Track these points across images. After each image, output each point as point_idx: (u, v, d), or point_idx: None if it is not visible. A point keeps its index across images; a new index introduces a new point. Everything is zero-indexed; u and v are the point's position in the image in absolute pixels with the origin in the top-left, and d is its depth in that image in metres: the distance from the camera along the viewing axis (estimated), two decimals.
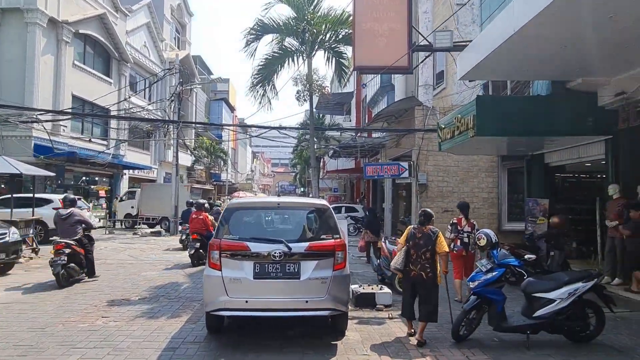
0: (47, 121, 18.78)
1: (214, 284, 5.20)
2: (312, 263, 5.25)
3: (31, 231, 12.42)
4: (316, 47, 11.90)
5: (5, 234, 9.66)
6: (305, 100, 12.16)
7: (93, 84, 25.15)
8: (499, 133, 9.64)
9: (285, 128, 14.57)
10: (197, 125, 31.89)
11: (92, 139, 25.56)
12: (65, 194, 12.00)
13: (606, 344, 5.56)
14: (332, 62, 12.38)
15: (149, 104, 28.81)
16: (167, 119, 22.13)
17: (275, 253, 5.16)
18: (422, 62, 10.90)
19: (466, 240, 7.93)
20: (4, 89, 20.83)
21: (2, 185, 23.12)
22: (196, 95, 40.22)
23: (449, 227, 8.30)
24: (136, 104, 27.90)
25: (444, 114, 14.56)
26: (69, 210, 9.12)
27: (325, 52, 12.26)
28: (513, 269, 5.51)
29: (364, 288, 7.74)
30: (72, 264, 8.75)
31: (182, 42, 41.05)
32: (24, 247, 11.10)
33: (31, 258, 11.98)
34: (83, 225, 9.22)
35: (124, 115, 19.59)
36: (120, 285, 8.84)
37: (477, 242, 5.81)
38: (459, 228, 8.10)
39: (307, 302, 5.16)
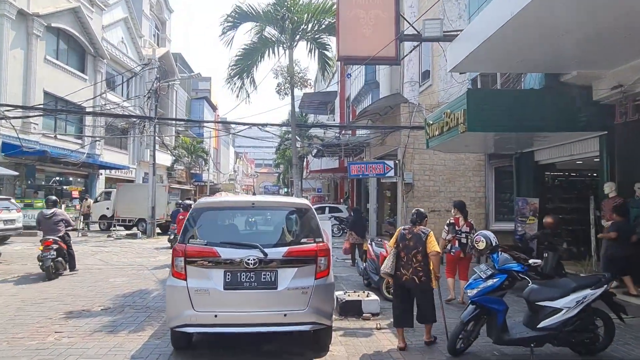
0: (15, 118, 17.76)
1: (178, 296, 4.53)
2: (291, 271, 4.63)
3: None
4: (297, 37, 11.24)
5: None
6: (286, 94, 11.49)
7: (67, 80, 24.11)
8: (490, 128, 9.16)
9: (266, 125, 13.89)
10: (177, 123, 30.95)
11: (66, 138, 24.53)
12: (47, 197, 12.04)
13: (616, 357, 5.06)
14: (314, 54, 11.75)
15: (125, 101, 27.80)
16: (143, 121, 21.24)
17: (248, 260, 4.52)
18: (410, 51, 10.35)
19: (464, 241, 7.43)
20: None
21: None
22: (176, 94, 39.24)
23: (445, 227, 7.79)
24: (112, 101, 26.87)
25: (430, 111, 14.08)
26: (52, 210, 10.09)
27: (307, 43, 11.61)
28: (516, 275, 4.96)
29: (349, 295, 7.14)
30: (60, 258, 9.69)
31: (162, 39, 40.06)
32: None
33: None
34: (65, 223, 10.16)
35: (96, 112, 18.64)
36: (83, 294, 8.08)
37: (475, 245, 5.26)
38: (457, 228, 7.59)
39: (285, 315, 4.53)
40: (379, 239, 10.69)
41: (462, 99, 9.05)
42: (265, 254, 4.55)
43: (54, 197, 10.75)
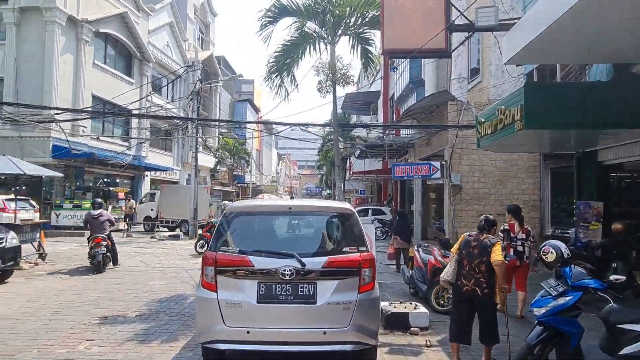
0: (64, 121, 18.25)
1: (208, 308, 4.14)
2: (331, 283, 4.14)
3: (37, 235, 11.70)
4: (339, 32, 10.72)
5: (2, 239, 8.89)
6: (327, 92, 11.03)
7: (114, 83, 24.71)
8: (550, 125, 8.30)
9: (307, 125, 13.47)
10: (219, 125, 31.21)
11: (113, 140, 25.14)
12: (94, 199, 13.41)
13: None
14: (357, 49, 11.19)
15: (168, 103, 28.30)
16: (186, 123, 21.40)
17: (284, 270, 4.07)
18: (460, 45, 9.61)
19: (520, 248, 6.73)
20: (22, 88, 20.53)
21: (24, 187, 22.86)
22: (220, 97, 39.70)
23: (499, 233, 7.08)
24: (157, 103, 27.38)
25: (480, 108, 13.26)
26: (98, 211, 11.22)
27: (350, 39, 11.08)
28: (593, 293, 4.26)
29: (395, 306, 6.57)
30: (108, 253, 10.80)
31: (206, 43, 40.63)
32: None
33: (36, 264, 11.25)
34: (109, 222, 11.15)
35: (140, 114, 18.87)
36: (120, 297, 7.92)
37: (543, 256, 4.58)
38: (512, 235, 6.89)
39: (325, 333, 4.05)
40: (426, 245, 10.04)
41: (518, 93, 8.27)
42: (303, 264, 4.09)
43: (99, 200, 12.21)
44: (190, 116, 20.86)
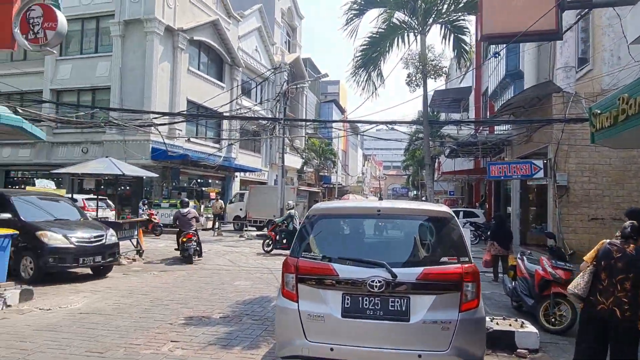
0: (162, 124, 19.32)
1: (288, 320, 3.77)
2: (427, 299, 3.57)
3: (135, 233, 12.32)
4: (430, 20, 9.96)
5: (102, 236, 9.38)
6: (417, 85, 10.33)
7: (206, 88, 25.81)
8: None
9: (394, 123, 12.84)
10: (306, 125, 31.46)
11: (206, 142, 26.30)
12: (182, 199, 14.85)
13: None
14: (449, 39, 10.36)
15: (255, 105, 29.06)
16: (273, 123, 21.71)
17: (373, 281, 3.58)
18: (576, 22, 8.34)
19: None
20: (126, 96, 22.09)
21: (127, 187, 24.64)
22: (306, 98, 40.17)
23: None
24: (245, 106, 28.23)
25: (591, 100, 11.75)
26: (187, 209, 12.61)
27: (441, 28, 10.28)
28: None
29: (497, 322, 5.80)
30: (197, 247, 12.12)
31: (293, 45, 41.33)
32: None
33: (134, 260, 11.85)
34: (195, 219, 12.48)
35: (228, 115, 19.40)
36: (207, 297, 7.93)
37: None
38: None
39: (420, 357, 3.49)
40: (529, 252, 9.00)
41: None
42: (394, 275, 3.57)
43: (186, 199, 13.57)
44: (277, 121, 21.13)
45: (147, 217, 17.78)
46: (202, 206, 24.22)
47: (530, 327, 5.68)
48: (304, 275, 3.77)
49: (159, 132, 19.34)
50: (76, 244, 8.79)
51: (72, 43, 24.54)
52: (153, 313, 6.78)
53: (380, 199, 5.61)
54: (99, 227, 9.74)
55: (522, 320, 5.98)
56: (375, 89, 10.08)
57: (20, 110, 12.26)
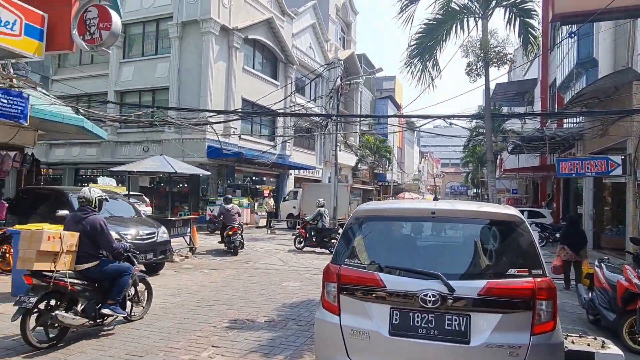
0: (217, 122, 19.53)
1: (328, 334, 3.35)
2: (492, 317, 3.03)
3: (188, 230, 12.40)
4: (493, 3, 9.12)
5: (154, 233, 9.41)
6: (478, 75, 9.52)
7: (261, 87, 25.91)
8: None
9: (453, 117, 12.05)
10: (360, 122, 30.93)
11: (261, 140, 26.45)
12: (225, 195, 15.44)
13: None
14: (514, 24, 9.46)
15: (308, 102, 28.89)
16: (326, 119, 21.38)
17: (426, 295, 3.08)
18: None
19: None
20: (183, 95, 22.58)
21: (185, 185, 25.28)
22: (361, 95, 39.57)
23: None
24: (300, 104, 28.13)
25: None
26: (230, 205, 13.55)
27: (505, 11, 9.41)
28: None
29: (573, 341, 5.06)
30: (242, 240, 13.19)
31: (347, 42, 40.82)
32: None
33: (186, 257, 11.92)
34: (238, 215, 13.48)
35: (280, 112, 19.23)
36: (253, 299, 7.69)
37: None
38: None
39: None
40: (607, 258, 8.04)
41: None
42: (452, 289, 3.05)
43: (229, 196, 14.58)
44: (330, 117, 20.78)
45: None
46: (256, 204, 24.39)
47: (613, 348, 4.91)
48: (346, 285, 3.34)
49: (214, 130, 19.57)
50: (129, 240, 8.84)
51: (134, 46, 25.51)
52: (198, 314, 6.61)
53: (436, 198, 4.89)
54: (152, 224, 9.80)
55: (603, 339, 5.20)
56: (432, 79, 9.40)
57: (81, 111, 12.69)
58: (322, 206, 15.09)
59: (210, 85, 22.64)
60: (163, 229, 9.79)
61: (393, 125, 25.10)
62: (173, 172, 11.28)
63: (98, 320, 5.38)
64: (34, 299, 4.82)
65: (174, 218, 11.63)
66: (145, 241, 9.14)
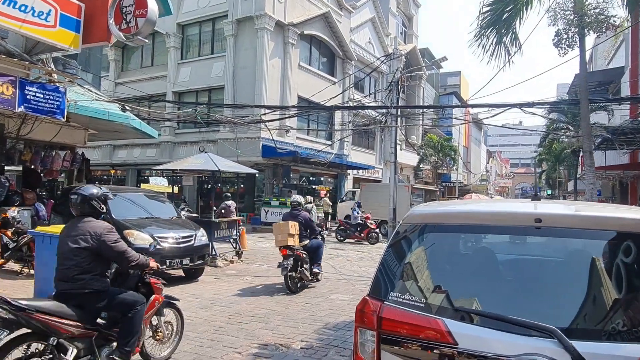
0: (270, 120, 18.82)
1: None
2: None
3: (234, 232, 11.60)
4: None
5: (192, 236, 8.62)
6: (569, 46, 7.80)
7: (317, 84, 24.98)
8: None
9: (532, 105, 10.25)
10: (422, 117, 29.18)
11: (317, 139, 25.54)
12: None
13: None
14: None
15: (365, 97, 27.59)
16: (385, 112, 19.99)
17: None
18: None
19: None
20: (238, 94, 22.12)
21: (241, 185, 24.87)
22: (423, 91, 37.64)
23: None
24: (357, 100, 26.90)
25: None
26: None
27: None
28: None
29: None
30: None
31: (409, 36, 39.06)
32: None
33: (231, 262, 11.09)
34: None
35: (338, 106, 18.01)
36: (292, 315, 6.60)
37: None
38: None
39: None
40: None
41: None
42: (577, 355, 1.76)
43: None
44: (390, 111, 19.39)
45: (362, 221, 17.86)
46: (313, 205, 23.44)
47: None
48: (391, 334, 2.13)
49: (268, 128, 18.81)
50: (163, 244, 8.10)
51: (191, 46, 25.51)
52: (225, 334, 5.63)
53: (537, 196, 3.22)
54: (190, 226, 9.04)
55: None
56: (509, 55, 7.81)
57: (127, 108, 12.29)
58: (309, 203, 15.76)
59: (265, 83, 22.01)
60: (202, 231, 8.98)
61: (457, 119, 23.15)
62: (216, 170, 10.51)
63: None
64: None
65: (218, 220, 10.85)
66: (181, 245, 8.36)
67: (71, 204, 3.93)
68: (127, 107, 12.22)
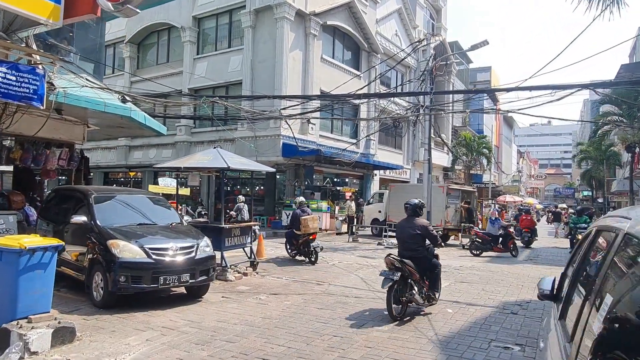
0: (291, 117, 17.26)
1: None
2: None
3: (248, 240, 10.02)
4: None
5: (192, 247, 7.05)
6: None
7: (341, 78, 23.28)
8: None
9: (589, 87, 8.31)
10: (452, 112, 27.22)
11: (341, 138, 23.87)
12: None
13: None
14: None
15: (390, 90, 25.77)
16: (417, 104, 18.21)
17: None
18: None
19: None
20: (257, 89, 20.61)
21: (262, 187, 23.38)
22: (453, 87, 35.57)
23: None
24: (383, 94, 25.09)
25: None
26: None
27: None
28: None
29: None
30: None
31: (437, 28, 37.01)
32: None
33: (245, 274, 9.48)
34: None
35: (363, 94, 16.21)
36: (316, 357, 4.94)
37: None
38: None
39: None
40: None
41: None
42: None
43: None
44: (422, 103, 17.61)
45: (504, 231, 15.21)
46: (337, 207, 21.83)
47: None
48: None
49: (289, 125, 17.23)
50: (155, 257, 6.57)
51: (208, 40, 24.21)
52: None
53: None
54: (192, 235, 7.47)
55: None
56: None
57: (128, 99, 10.86)
58: (242, 202, 15.30)
59: (286, 77, 20.49)
60: (206, 241, 7.40)
61: (487, 110, 21.03)
62: (225, 167, 8.94)
63: None
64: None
65: (228, 225, 9.27)
66: (179, 258, 6.80)
67: None
68: (128, 98, 10.78)
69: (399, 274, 6.35)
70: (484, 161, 34.23)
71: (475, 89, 31.04)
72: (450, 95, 26.39)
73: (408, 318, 6.51)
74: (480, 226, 19.52)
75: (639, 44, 39.99)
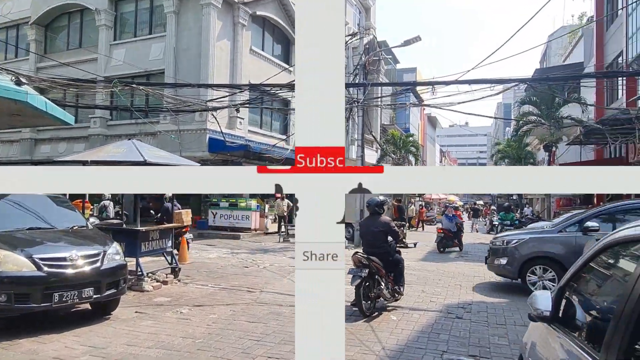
0: (219, 108, 16.14)
1: None
2: None
3: (169, 244, 8.93)
4: None
5: (97, 255, 5.93)
6: None
7: (271, 71, 22.41)
8: None
9: (512, 83, 8.23)
10: (381, 108, 27.28)
11: (271, 133, 23.05)
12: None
13: None
14: None
15: None
16: (351, 100, 17.78)
17: None
18: None
19: None
20: (181, 78, 19.17)
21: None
22: (381, 88, 35.89)
23: None
24: None
25: None
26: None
27: None
28: None
29: None
30: None
31: (367, 27, 37.18)
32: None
33: (164, 283, 8.40)
34: None
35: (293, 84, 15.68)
36: None
37: None
38: None
39: None
40: None
41: None
42: None
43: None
44: (357, 98, 17.25)
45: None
46: (267, 206, 21.00)
47: None
48: None
49: (216, 118, 16.12)
50: (48, 269, 5.39)
51: (126, 25, 22.26)
52: None
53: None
54: (98, 240, 6.32)
55: None
56: None
57: (24, 82, 9.29)
58: (107, 199, 15.36)
59: (212, 67, 19.25)
60: (115, 247, 6.29)
61: (414, 105, 21.28)
62: (142, 161, 7.80)
63: None
64: None
65: (144, 228, 8.13)
66: (79, 269, 5.65)
67: None
68: (24, 80, 9.22)
69: (367, 270, 6.40)
70: (412, 159, 34.93)
71: (414, 81, 31.46)
72: (381, 91, 26.52)
73: (353, 328, 5.88)
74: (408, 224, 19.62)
75: (548, 51, 43.01)
